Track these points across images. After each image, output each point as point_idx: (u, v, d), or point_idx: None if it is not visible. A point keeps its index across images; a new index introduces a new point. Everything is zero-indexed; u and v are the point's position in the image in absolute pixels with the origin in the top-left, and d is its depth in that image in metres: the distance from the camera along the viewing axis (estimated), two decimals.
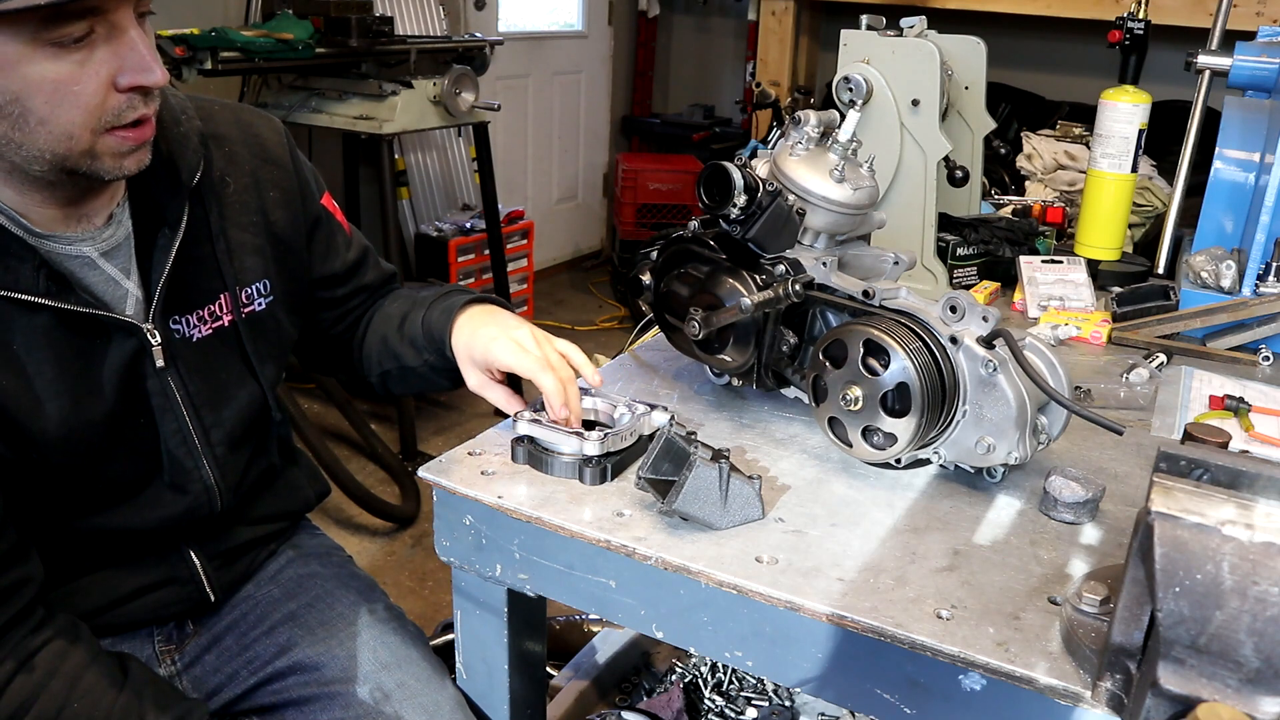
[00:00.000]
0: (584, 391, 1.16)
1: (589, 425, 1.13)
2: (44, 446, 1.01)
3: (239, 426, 1.18)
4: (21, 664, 0.97)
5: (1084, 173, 2.16)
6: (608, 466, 1.06)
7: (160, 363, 1.08)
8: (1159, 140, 2.12)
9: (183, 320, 1.11)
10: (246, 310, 1.17)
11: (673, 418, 1.11)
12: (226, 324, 1.15)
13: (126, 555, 1.15)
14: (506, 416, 1.15)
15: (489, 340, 1.16)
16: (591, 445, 1.05)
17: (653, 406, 1.14)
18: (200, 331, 1.13)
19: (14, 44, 0.88)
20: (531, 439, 1.09)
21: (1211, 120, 1.78)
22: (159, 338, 1.08)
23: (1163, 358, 1.47)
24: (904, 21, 1.65)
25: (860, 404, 1.03)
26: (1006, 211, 2.09)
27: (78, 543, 1.11)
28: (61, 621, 1.03)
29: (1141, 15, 1.80)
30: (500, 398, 1.18)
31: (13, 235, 0.98)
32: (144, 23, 0.97)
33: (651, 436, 1.10)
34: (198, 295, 1.13)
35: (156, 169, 1.05)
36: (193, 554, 1.19)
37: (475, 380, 1.19)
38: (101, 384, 1.05)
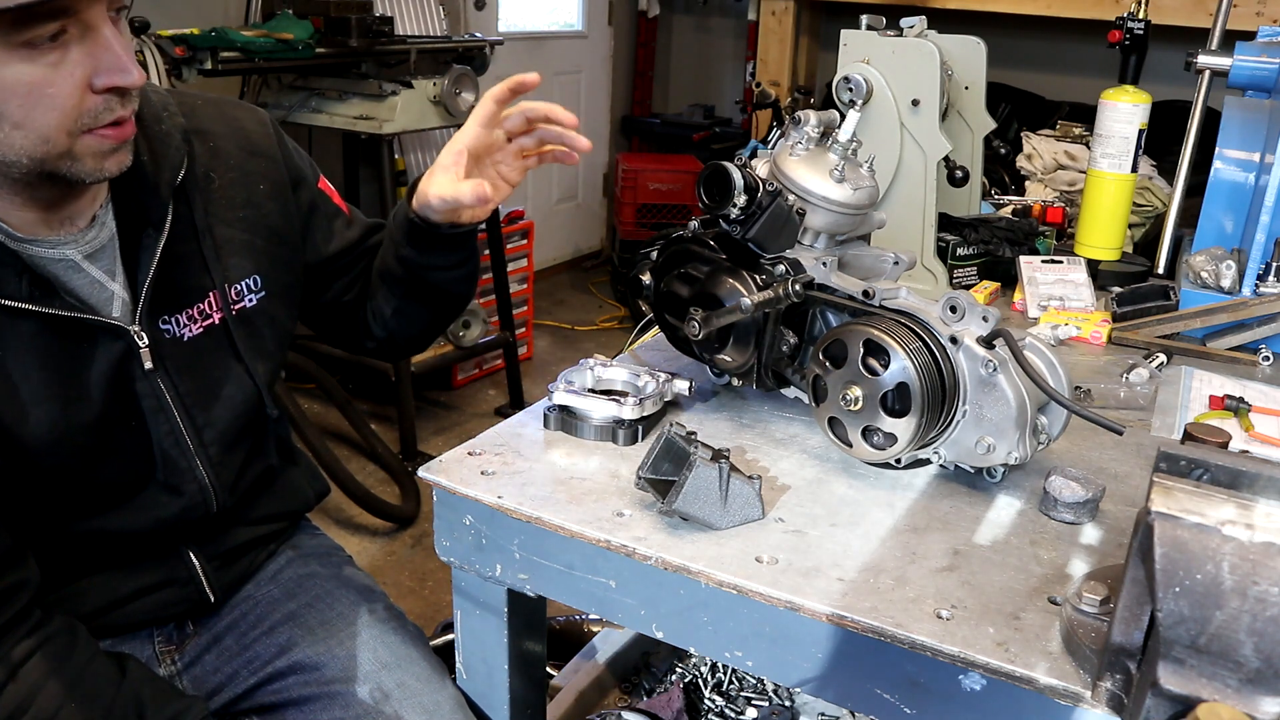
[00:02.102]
0: (607, 365, 1.24)
1: (610, 395, 1.19)
2: (34, 452, 1.00)
3: (233, 425, 1.17)
4: (19, 665, 0.97)
5: (1084, 173, 2.16)
6: (639, 428, 1.14)
7: (149, 364, 1.08)
8: (1159, 140, 2.12)
9: (172, 320, 1.11)
10: (236, 307, 1.16)
11: (692, 382, 1.20)
12: (216, 322, 1.15)
13: (125, 557, 1.15)
14: (507, 418, 1.16)
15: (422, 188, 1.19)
16: (629, 409, 1.13)
17: (673, 375, 1.21)
18: (190, 331, 1.12)
19: None
20: (564, 407, 1.16)
21: (1211, 120, 1.77)
22: (146, 339, 1.07)
23: (1163, 358, 1.47)
24: (904, 21, 1.65)
25: (860, 404, 1.03)
26: (1006, 211, 2.08)
27: (75, 545, 1.11)
28: (59, 623, 1.03)
29: (1141, 15, 1.80)
30: (467, 189, 1.16)
31: None
32: (119, 22, 0.95)
33: (674, 403, 1.22)
34: (185, 294, 1.12)
35: (139, 169, 1.04)
36: (192, 555, 1.19)
37: (444, 192, 1.17)
38: (90, 388, 1.04)
